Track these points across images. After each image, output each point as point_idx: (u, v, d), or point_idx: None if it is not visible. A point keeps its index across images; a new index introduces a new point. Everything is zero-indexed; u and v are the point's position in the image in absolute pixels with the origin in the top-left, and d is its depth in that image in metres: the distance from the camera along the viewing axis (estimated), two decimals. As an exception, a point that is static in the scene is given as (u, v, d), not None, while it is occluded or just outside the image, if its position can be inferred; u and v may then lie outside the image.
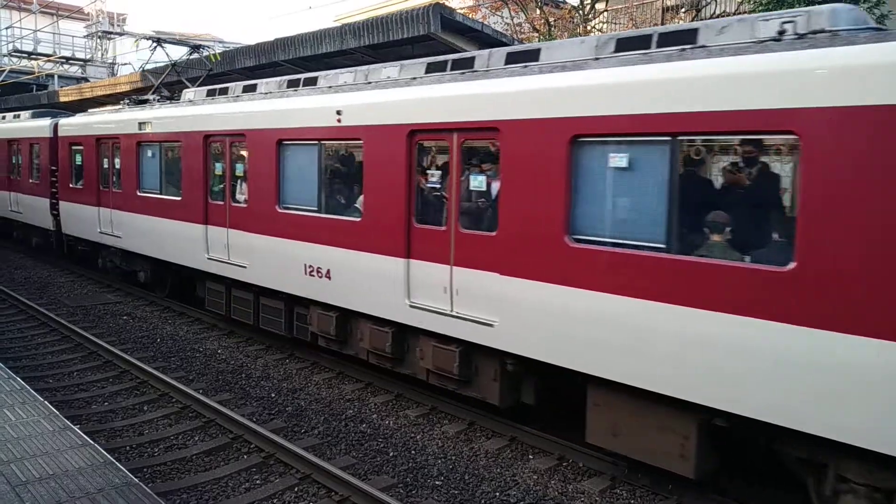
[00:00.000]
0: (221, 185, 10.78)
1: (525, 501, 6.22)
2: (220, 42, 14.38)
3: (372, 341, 8.35)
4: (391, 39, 12.76)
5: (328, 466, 6.43)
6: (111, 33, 35.87)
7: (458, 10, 15.59)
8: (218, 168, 10.85)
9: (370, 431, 7.68)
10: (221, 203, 10.72)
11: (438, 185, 7.52)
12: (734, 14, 16.30)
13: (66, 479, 5.07)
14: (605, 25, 21.17)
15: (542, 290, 6.35)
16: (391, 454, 7.12)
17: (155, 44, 14.71)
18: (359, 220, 8.29)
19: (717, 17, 16.96)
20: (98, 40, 35.88)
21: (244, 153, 10.27)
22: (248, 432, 7.34)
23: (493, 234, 6.83)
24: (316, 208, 8.93)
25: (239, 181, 10.46)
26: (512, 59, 7.21)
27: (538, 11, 21.06)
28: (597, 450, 6.79)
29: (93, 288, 15.36)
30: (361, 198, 8.35)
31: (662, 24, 18.52)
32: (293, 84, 10.06)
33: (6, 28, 32.26)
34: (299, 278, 9.07)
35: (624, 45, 6.29)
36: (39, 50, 33.21)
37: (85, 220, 15.07)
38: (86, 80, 31.56)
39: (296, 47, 14.74)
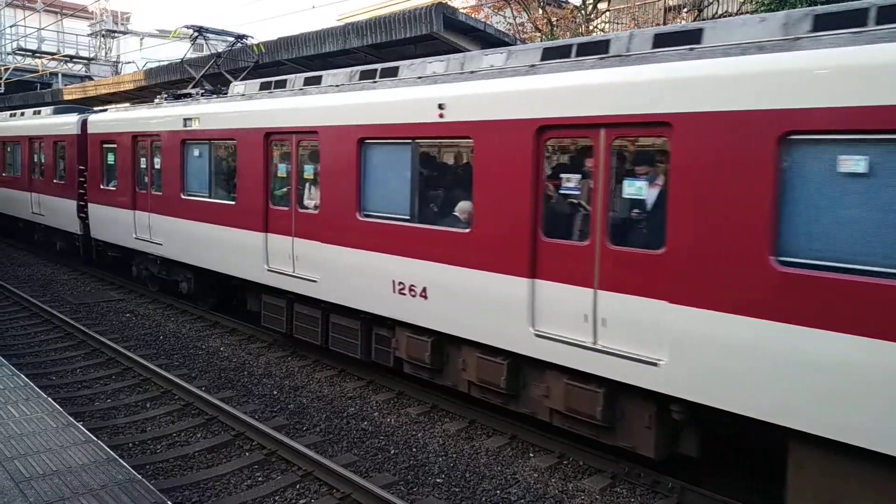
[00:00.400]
0: (285, 189, 9.62)
1: (526, 499, 6.24)
2: (223, 41, 14.24)
3: (480, 373, 7.20)
4: (394, 39, 12.80)
5: (330, 464, 6.46)
6: (115, 32, 35.96)
7: (461, 10, 15.64)
8: (281, 170, 9.65)
9: (371, 429, 7.71)
10: (285, 209, 9.52)
11: (576, 192, 6.33)
12: (736, 14, 16.30)
13: (69, 475, 5.10)
14: (606, 25, 21.21)
15: (734, 325, 5.14)
16: (392, 452, 7.15)
17: (196, 34, 13.65)
18: (466, 231, 7.09)
19: (720, 17, 16.97)
20: (102, 39, 35.96)
21: (315, 153, 9.10)
22: (250, 430, 7.37)
23: (659, 252, 5.60)
24: (408, 217, 7.75)
25: (308, 185, 9.32)
26: (663, 40, 6.04)
27: (540, 11, 21.09)
28: (597, 448, 6.81)
29: (96, 285, 15.41)
30: (464, 205, 7.30)
31: (664, 24, 18.54)
32: (368, 75, 8.95)
33: (10, 26, 32.38)
34: (385, 296, 7.96)
35: (827, 22, 5.18)
36: (43, 48, 33.29)
37: (118, 224, 13.82)
38: (90, 78, 31.66)
39: (299, 46, 14.79)
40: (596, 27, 20.52)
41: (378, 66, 8.91)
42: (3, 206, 20.44)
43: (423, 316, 7.63)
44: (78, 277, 16.21)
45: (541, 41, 17.32)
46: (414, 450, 7.21)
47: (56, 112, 18.12)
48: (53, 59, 33.44)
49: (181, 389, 8.58)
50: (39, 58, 33.04)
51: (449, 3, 16.39)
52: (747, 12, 15.57)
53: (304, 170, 9.35)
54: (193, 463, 6.85)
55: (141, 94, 22.30)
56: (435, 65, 8.10)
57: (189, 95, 12.92)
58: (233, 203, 10.54)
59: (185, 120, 11.57)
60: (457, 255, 7.17)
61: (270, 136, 9.72)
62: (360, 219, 8.28)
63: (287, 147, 9.56)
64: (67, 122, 16.50)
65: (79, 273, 16.62)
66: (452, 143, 7.80)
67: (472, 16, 17.38)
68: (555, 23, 20.59)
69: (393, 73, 8.59)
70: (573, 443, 7.04)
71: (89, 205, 15.21)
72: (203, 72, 13.96)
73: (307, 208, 9.25)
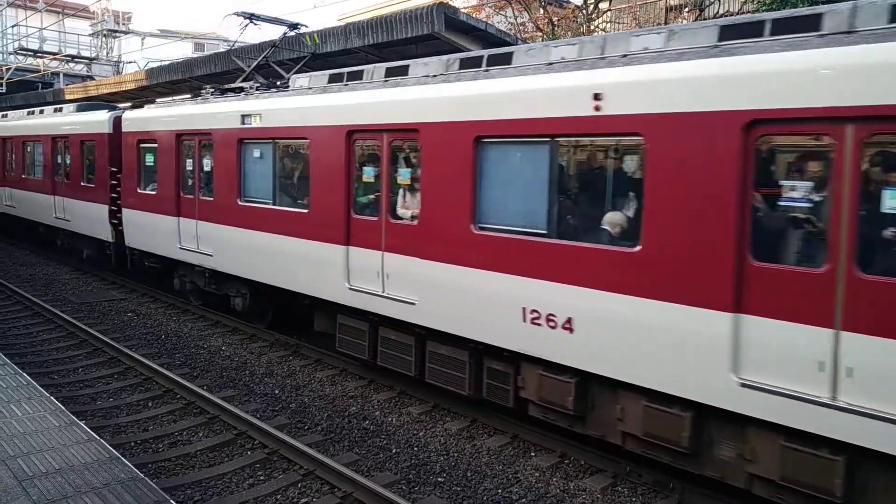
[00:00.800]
0: (372, 197, 8.35)
1: (527, 498, 6.25)
2: (225, 41, 14.13)
3: (648, 426, 5.91)
4: (395, 39, 12.80)
5: (331, 463, 6.47)
6: (116, 32, 36.01)
7: (462, 10, 15.65)
8: (367, 173, 8.33)
9: (373, 428, 7.72)
10: (373, 219, 8.22)
11: (805, 205, 5.09)
12: (738, 13, 16.31)
13: (72, 473, 5.12)
14: (608, 25, 21.26)
15: None
16: (394, 451, 7.16)
17: (247, 21, 12.29)
18: (633, 250, 5.80)
19: (721, 16, 16.97)
20: (103, 39, 36.00)
21: (413, 154, 7.95)
22: (252, 428, 7.39)
23: None
24: (544, 231, 6.48)
25: (402, 191, 8.04)
26: None
27: (542, 11, 21.13)
28: (598, 447, 6.82)
29: (98, 285, 15.43)
30: (614, 217, 6.17)
31: (666, 23, 18.55)
32: (471, 63, 7.63)
33: (12, 26, 32.40)
34: (511, 326, 6.71)
35: None
36: (45, 48, 33.31)
37: (159, 232, 12.45)
38: (91, 78, 31.67)
39: (301, 46, 14.77)
40: (597, 27, 20.56)
41: (484, 53, 7.68)
42: (23, 209, 19.18)
43: (565, 352, 6.37)
44: (80, 277, 16.24)
45: (542, 41, 17.32)
46: (415, 449, 7.22)
47: (80, 109, 16.91)
48: (55, 58, 33.46)
49: (183, 388, 8.59)
50: (41, 58, 33.06)
51: (450, 2, 16.40)
52: (748, 11, 15.57)
53: (397, 174, 8.06)
54: (195, 462, 6.87)
55: (143, 94, 22.28)
56: (563, 49, 6.80)
57: (241, 90, 11.54)
58: (304, 211, 9.20)
59: (243, 116, 10.23)
60: (618, 280, 5.87)
61: (354, 135, 8.42)
62: (476, 232, 7.01)
63: (376, 147, 8.27)
64: (97, 120, 15.04)
65: (80, 272, 16.64)
66: (610, 142, 6.35)
67: (474, 15, 17.39)
68: (556, 22, 20.63)
69: (505, 59, 7.26)
70: (574, 442, 7.05)
71: (123, 210, 13.82)
72: (256, 63, 12.44)
73: (401, 219, 7.98)
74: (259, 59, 12.66)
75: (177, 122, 12.09)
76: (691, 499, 6.16)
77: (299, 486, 6.35)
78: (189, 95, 13.41)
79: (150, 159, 12.90)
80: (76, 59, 34.22)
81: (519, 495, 6.30)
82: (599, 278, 6.02)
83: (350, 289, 8.52)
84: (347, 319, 8.98)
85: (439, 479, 6.57)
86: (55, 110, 18.12)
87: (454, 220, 7.22)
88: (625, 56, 6.21)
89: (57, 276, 16.22)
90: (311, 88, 9.65)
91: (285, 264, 9.58)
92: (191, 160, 11.66)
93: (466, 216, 7.09)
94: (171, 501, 4.83)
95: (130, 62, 34.27)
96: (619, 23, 21.31)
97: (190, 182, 11.73)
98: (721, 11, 18.11)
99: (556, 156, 6.49)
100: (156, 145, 12.57)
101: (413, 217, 7.85)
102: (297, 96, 9.65)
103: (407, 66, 8.41)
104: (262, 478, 6.53)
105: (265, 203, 10.03)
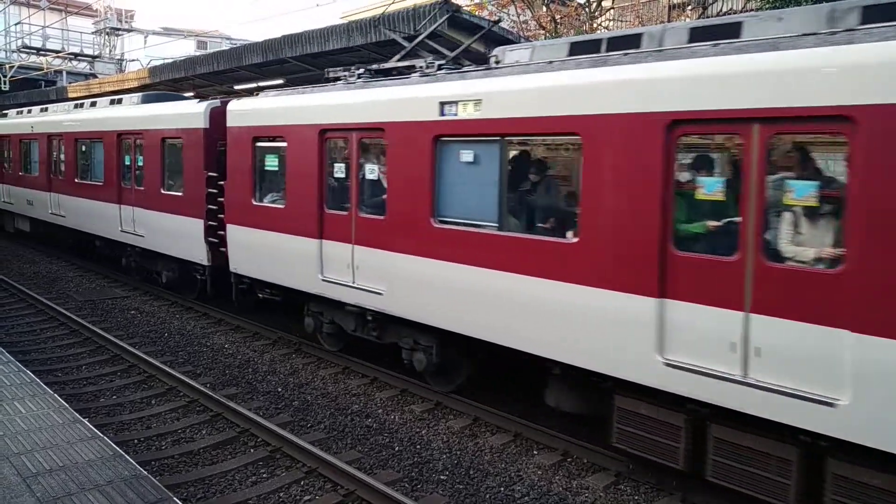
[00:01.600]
0: (719, 223, 5.65)
1: (530, 496, 6.26)
2: (227, 39, 14.04)
3: None
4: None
5: (334, 460, 6.49)
6: (119, 30, 36.08)
7: (465, 8, 15.62)
8: (709, 187, 5.65)
9: (376, 426, 7.73)
10: (725, 259, 5.41)
11: None
12: (741, 12, 16.28)
13: (75, 471, 5.14)
14: (611, 23, 21.24)
15: None
16: (396, 449, 7.17)
17: None
18: None
19: (724, 14, 16.94)
20: (106, 37, 36.07)
21: (826, 154, 5.36)
22: (255, 426, 7.41)
23: None
24: None
25: (792, 216, 5.24)
26: None
27: (544, 9, 21.11)
28: (601, 446, 6.82)
29: (101, 282, 15.46)
30: None
31: (669, 21, 18.53)
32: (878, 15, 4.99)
33: (15, 24, 32.46)
34: None
35: None
36: (48, 46, 33.40)
37: (287, 257, 9.69)
38: (94, 76, 31.73)
39: (303, 44, 14.77)
40: (600, 24, 20.54)
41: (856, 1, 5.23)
42: (75, 220, 16.32)
43: None
44: (83, 275, 16.27)
45: (545, 39, 17.32)
46: (418, 447, 7.23)
47: (144, 100, 14.35)
48: (58, 56, 33.55)
49: (186, 386, 8.62)
50: (44, 55, 33.14)
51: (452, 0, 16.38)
52: (752, 10, 15.55)
53: (785, 187, 5.22)
54: (198, 459, 6.89)
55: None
56: None
57: (411, 69, 8.77)
58: (566, 241, 6.57)
59: (442, 105, 7.49)
60: None
61: (679, 127, 5.64)
62: None
63: (731, 145, 5.74)
64: (190, 112, 12.15)
65: (84, 270, 16.67)
66: None
67: (476, 13, 17.38)
68: (558, 20, 20.61)
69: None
70: (577, 440, 7.05)
71: (228, 227, 10.96)
72: (428, 31, 9.79)
73: (790, 260, 5.21)
74: (437, 24, 10.10)
75: (319, 113, 9.16)
76: (694, 497, 6.16)
77: (302, 483, 6.37)
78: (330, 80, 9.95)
79: (272, 162, 10.15)
80: (79, 57, 34.30)
81: (521, 493, 6.30)
82: None
83: (665, 363, 5.75)
84: (638, 405, 6.17)
85: (442, 478, 6.58)
86: (111, 102, 15.64)
87: None
88: None
89: (61, 274, 16.26)
90: (550, 62, 6.87)
91: (524, 315, 6.84)
92: (342, 164, 8.93)
93: None
94: (174, 499, 4.85)
95: (133, 60, 34.35)
96: (622, 21, 21.30)
97: (340, 193, 9.01)
98: (724, 10, 18.07)
99: None
100: (283, 144, 9.75)
101: (819, 260, 5.05)
102: (554, 72, 6.65)
103: (739, 23, 5.83)
104: (264, 475, 6.55)
105: (485, 226, 7.22)
